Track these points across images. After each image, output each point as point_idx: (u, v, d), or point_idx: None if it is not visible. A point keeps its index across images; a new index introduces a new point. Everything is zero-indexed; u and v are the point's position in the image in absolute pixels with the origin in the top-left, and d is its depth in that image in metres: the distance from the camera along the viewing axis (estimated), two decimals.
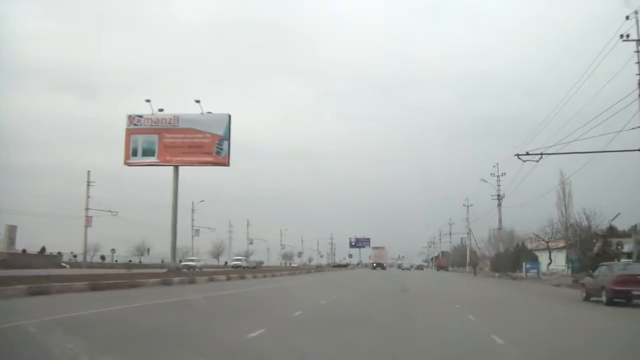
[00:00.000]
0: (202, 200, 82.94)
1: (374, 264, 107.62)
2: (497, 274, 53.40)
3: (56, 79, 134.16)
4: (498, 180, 53.17)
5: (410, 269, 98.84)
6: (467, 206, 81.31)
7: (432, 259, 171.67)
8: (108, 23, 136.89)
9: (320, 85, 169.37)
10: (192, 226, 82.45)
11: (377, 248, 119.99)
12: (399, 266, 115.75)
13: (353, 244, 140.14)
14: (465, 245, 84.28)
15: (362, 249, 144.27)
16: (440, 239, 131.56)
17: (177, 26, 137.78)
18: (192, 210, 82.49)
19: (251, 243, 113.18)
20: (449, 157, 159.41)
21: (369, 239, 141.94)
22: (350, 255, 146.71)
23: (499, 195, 52.99)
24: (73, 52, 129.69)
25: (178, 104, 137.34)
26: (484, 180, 54.58)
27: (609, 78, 24.36)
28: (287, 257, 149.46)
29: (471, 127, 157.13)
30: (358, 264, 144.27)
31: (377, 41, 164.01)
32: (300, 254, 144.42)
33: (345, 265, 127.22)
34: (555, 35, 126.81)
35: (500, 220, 53.02)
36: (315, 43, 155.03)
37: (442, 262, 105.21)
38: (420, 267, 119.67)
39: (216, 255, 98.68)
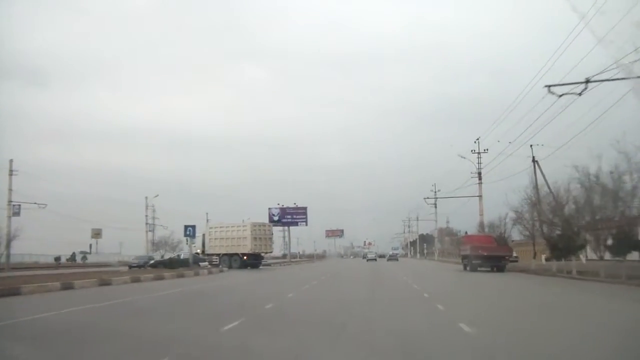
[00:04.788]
0: None
1: (206, 255, 42.51)
2: None
3: None
4: None
5: (375, 260, 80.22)
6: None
7: (410, 243, 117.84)
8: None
9: (277, 67, 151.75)
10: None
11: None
12: (364, 256, 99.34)
13: (276, 218, 76.35)
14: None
15: (291, 228, 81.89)
16: (435, 202, 72.35)
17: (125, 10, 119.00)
18: None
19: None
20: (415, 140, 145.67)
21: (305, 208, 79.68)
22: None
23: None
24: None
25: None
26: None
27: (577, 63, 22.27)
28: (161, 245, 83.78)
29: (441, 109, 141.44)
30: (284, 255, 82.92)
31: (337, 19, 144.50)
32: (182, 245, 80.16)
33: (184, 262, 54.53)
34: (527, 14, 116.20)
35: None
36: (269, 23, 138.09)
37: (488, 243, 37.34)
38: (393, 257, 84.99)
39: None
